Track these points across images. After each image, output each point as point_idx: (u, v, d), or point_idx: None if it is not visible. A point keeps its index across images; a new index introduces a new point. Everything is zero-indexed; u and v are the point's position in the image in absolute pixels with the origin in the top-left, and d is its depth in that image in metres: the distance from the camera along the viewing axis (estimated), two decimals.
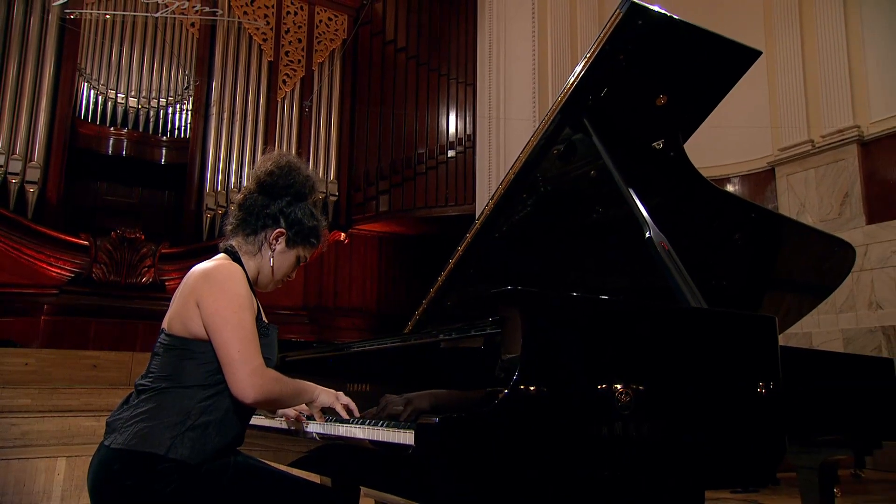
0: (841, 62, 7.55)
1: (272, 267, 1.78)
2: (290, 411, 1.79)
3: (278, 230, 1.77)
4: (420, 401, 1.65)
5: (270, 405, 1.64)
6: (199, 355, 1.59)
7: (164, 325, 1.67)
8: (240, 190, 1.80)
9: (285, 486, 1.57)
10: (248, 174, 7.39)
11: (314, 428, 1.64)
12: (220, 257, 1.73)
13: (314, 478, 1.82)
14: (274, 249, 1.78)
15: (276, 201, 1.78)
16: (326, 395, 1.72)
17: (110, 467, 1.52)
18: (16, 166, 7.80)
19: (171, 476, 1.50)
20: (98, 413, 4.96)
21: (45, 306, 7.61)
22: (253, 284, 1.75)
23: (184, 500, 1.50)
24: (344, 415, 1.69)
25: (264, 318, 1.74)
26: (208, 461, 1.56)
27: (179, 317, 1.63)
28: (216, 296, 1.59)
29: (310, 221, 1.80)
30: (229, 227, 1.81)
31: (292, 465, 1.87)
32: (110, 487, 1.52)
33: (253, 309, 1.64)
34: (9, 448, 4.40)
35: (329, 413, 1.77)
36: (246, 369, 1.53)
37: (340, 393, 1.75)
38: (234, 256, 1.74)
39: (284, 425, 1.76)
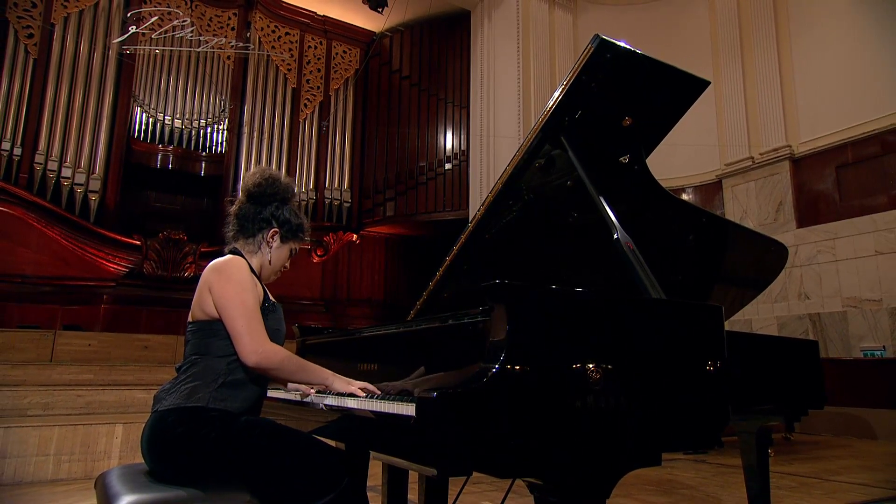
0: (775, 91, 7.59)
1: (270, 260, 1.80)
2: (304, 388, 1.78)
3: (272, 230, 1.79)
4: (419, 382, 1.63)
5: (271, 373, 1.60)
6: (219, 331, 1.62)
7: (189, 318, 1.69)
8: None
9: (306, 444, 1.55)
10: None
11: (333, 401, 1.62)
12: (229, 256, 1.74)
13: (329, 443, 1.79)
14: (271, 246, 1.80)
15: (266, 207, 1.80)
16: (340, 384, 1.67)
17: (165, 420, 1.54)
18: (80, 178, 7.82)
19: (216, 423, 1.52)
20: (149, 386, 4.95)
21: (105, 296, 7.59)
22: (259, 277, 1.76)
23: (224, 446, 1.50)
24: (361, 395, 1.65)
25: (271, 298, 1.76)
26: (243, 413, 1.58)
27: (198, 304, 1.66)
28: (223, 283, 1.62)
29: (296, 220, 1.83)
30: (230, 234, 1.82)
31: (311, 432, 1.84)
32: (165, 437, 1.52)
33: (255, 292, 1.65)
34: (76, 415, 4.42)
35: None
36: (247, 339, 1.56)
37: (353, 380, 1.69)
38: (240, 255, 1.75)
39: (310, 399, 1.73)
